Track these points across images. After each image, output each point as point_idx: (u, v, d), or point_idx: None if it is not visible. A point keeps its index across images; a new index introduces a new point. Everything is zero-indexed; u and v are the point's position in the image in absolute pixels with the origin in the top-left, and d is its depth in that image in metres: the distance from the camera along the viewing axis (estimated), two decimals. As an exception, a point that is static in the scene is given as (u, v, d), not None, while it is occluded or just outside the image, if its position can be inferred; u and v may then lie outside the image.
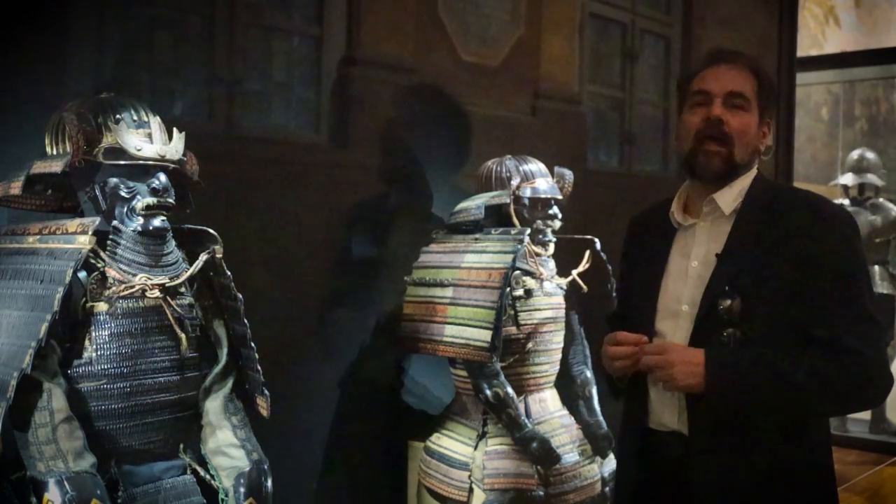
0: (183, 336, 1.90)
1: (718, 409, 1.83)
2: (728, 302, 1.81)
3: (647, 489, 2.00)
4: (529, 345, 2.70)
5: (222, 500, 1.96)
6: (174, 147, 1.91)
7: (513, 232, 2.64)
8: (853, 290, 1.85)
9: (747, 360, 1.80)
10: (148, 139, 1.87)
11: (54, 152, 1.88)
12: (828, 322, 1.81)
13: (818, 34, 6.95)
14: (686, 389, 1.84)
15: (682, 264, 1.98)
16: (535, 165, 2.81)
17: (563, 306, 2.80)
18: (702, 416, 1.88)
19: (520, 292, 2.68)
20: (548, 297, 2.75)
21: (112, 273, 1.84)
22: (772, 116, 2.02)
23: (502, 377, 2.63)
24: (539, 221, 2.73)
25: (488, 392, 2.60)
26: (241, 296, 1.98)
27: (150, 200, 1.85)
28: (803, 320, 1.83)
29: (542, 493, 2.63)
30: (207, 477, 1.97)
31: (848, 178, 6.11)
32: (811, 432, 1.93)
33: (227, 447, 1.99)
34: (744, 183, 1.96)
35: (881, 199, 5.97)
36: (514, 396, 2.63)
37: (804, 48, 6.00)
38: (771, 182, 2.12)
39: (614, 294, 2.82)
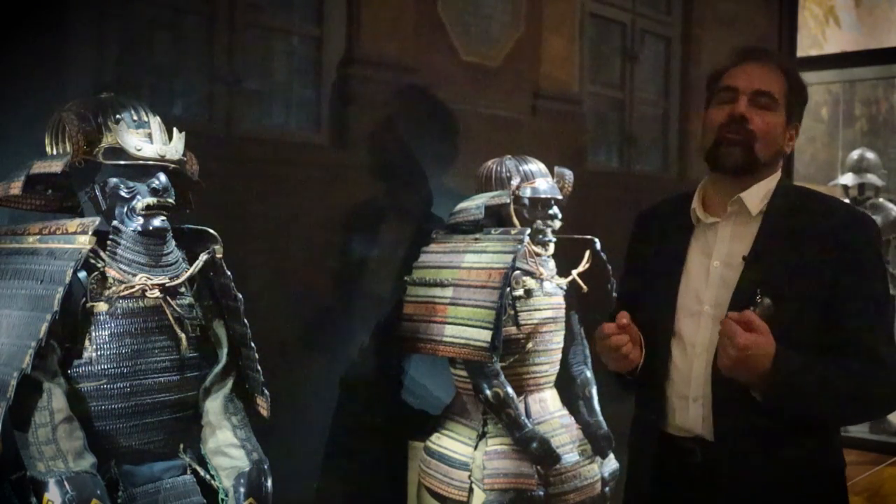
0: (183, 336, 1.89)
1: (765, 411, 1.79)
2: (757, 306, 1.77)
3: (663, 494, 1.98)
4: (529, 345, 2.70)
5: (222, 500, 1.96)
6: (174, 147, 1.91)
7: (513, 232, 2.64)
8: (881, 299, 1.85)
9: (805, 367, 1.77)
10: (148, 139, 1.87)
11: (54, 152, 1.88)
12: (859, 332, 1.81)
13: (818, 34, 6.94)
14: (735, 377, 1.78)
15: (702, 263, 1.95)
16: (535, 165, 2.81)
17: (563, 306, 2.80)
18: (730, 421, 1.86)
19: (520, 292, 2.68)
20: (548, 297, 2.74)
21: (112, 273, 1.84)
22: (800, 119, 1.99)
23: (502, 377, 2.63)
24: (539, 221, 2.73)
25: (488, 392, 2.60)
26: (241, 296, 1.97)
27: (150, 200, 1.85)
28: (829, 326, 1.82)
29: (542, 493, 2.62)
30: (207, 477, 1.97)
31: (848, 178, 6.11)
32: (830, 435, 1.93)
33: (227, 447, 1.99)
34: (770, 185, 1.94)
35: (881, 199, 5.97)
36: (514, 396, 2.62)
37: (804, 48, 6.00)
38: (795, 186, 2.09)
39: (614, 294, 2.82)
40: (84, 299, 1.82)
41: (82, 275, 1.81)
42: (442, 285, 2.66)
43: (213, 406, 2.01)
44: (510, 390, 2.62)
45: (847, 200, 5.91)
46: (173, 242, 1.93)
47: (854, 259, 1.83)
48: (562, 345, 2.82)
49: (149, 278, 1.85)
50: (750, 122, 1.88)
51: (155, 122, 1.90)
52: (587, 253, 2.83)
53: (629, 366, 1.96)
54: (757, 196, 1.92)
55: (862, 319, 1.81)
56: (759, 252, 1.88)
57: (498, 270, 2.55)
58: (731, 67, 1.96)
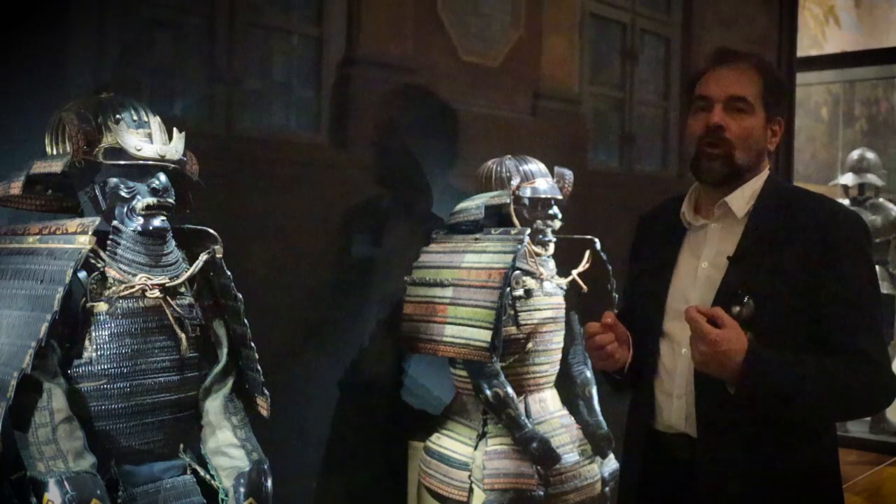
0: (183, 336, 1.89)
1: (741, 407, 1.79)
2: (740, 305, 1.79)
3: (654, 491, 1.99)
4: (529, 345, 2.70)
5: (222, 500, 1.96)
6: (174, 147, 1.91)
7: (513, 232, 2.64)
8: (867, 297, 1.85)
9: (779, 363, 1.77)
10: (148, 139, 1.87)
11: (54, 152, 1.88)
12: (844, 329, 1.81)
13: (818, 34, 6.95)
14: (708, 372, 1.80)
15: (691, 265, 1.97)
16: (535, 165, 2.81)
17: (563, 306, 2.80)
18: (712, 418, 1.87)
19: (520, 292, 2.68)
20: (548, 297, 2.74)
21: (112, 273, 1.84)
22: (782, 115, 1.99)
23: (502, 377, 2.63)
24: (539, 221, 2.73)
25: (488, 392, 2.60)
26: (241, 296, 1.97)
27: (150, 200, 1.85)
28: (816, 325, 1.82)
29: (542, 493, 2.62)
30: (207, 477, 1.97)
31: (848, 178, 6.12)
32: (820, 434, 1.93)
33: (227, 447, 1.99)
34: (756, 185, 1.95)
35: (881, 199, 5.98)
36: (514, 396, 2.63)
37: (804, 48, 6.00)
38: (783, 184, 2.10)
39: (615, 294, 2.82)
40: (84, 299, 1.81)
41: (82, 275, 1.81)
42: (442, 285, 2.66)
43: (213, 406, 2.01)
44: (510, 390, 2.62)
45: (847, 200, 5.92)
46: (173, 242, 1.93)
47: (838, 256, 1.83)
48: (562, 345, 2.82)
49: (149, 278, 1.85)
50: (726, 129, 1.89)
51: (155, 122, 1.90)
52: (587, 253, 2.83)
53: (615, 365, 1.99)
54: (742, 199, 1.94)
55: (846, 316, 1.82)
56: (743, 252, 1.89)
57: (498, 270, 2.55)
58: (704, 73, 1.97)
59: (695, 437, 1.91)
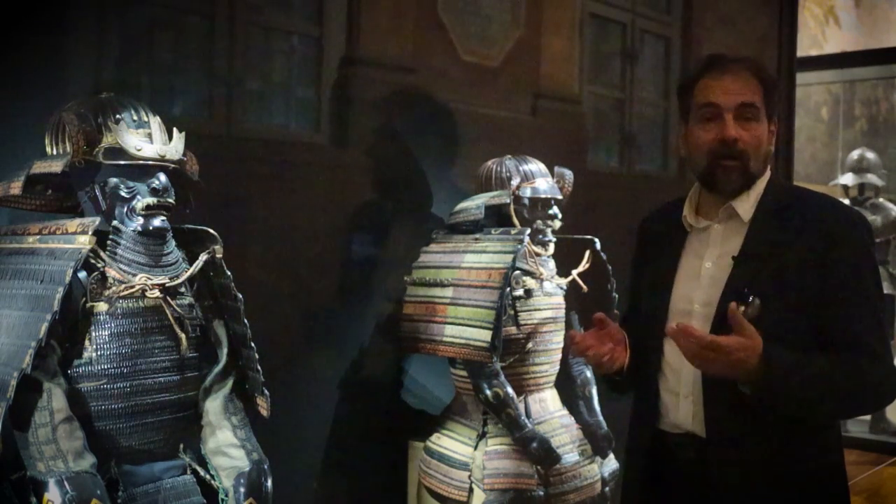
0: (183, 336, 1.89)
1: (754, 407, 1.79)
2: (746, 305, 1.78)
3: (660, 491, 1.99)
4: (529, 345, 2.70)
5: (222, 500, 1.96)
6: (174, 147, 1.91)
7: (513, 232, 2.64)
8: (871, 295, 1.86)
9: (793, 362, 1.77)
10: (148, 139, 1.87)
11: (54, 152, 1.88)
12: (848, 326, 1.81)
13: (818, 34, 6.95)
14: (720, 376, 1.79)
15: (694, 265, 1.97)
16: (535, 165, 2.81)
17: (563, 306, 2.80)
18: (721, 417, 1.87)
19: (520, 292, 2.68)
20: (548, 297, 2.74)
21: (112, 273, 1.84)
22: (777, 113, 2.00)
23: (502, 377, 2.63)
24: (539, 221, 2.73)
25: (488, 392, 2.60)
26: (241, 296, 1.98)
27: (150, 200, 1.85)
28: (821, 323, 1.82)
29: (542, 493, 2.62)
30: (207, 477, 1.97)
31: (848, 178, 6.12)
32: (826, 432, 1.93)
33: (227, 447, 1.99)
34: (759, 187, 1.95)
35: (881, 199, 5.98)
36: (514, 396, 2.62)
37: (804, 48, 6.00)
38: (785, 185, 2.11)
39: (615, 294, 2.82)
40: (84, 299, 1.82)
41: (82, 275, 1.81)
42: (442, 285, 2.66)
43: (213, 406, 2.01)
44: (510, 390, 2.62)
45: (847, 200, 5.91)
46: (173, 242, 1.93)
47: (842, 255, 1.84)
48: (562, 345, 2.82)
49: (149, 278, 1.85)
50: (740, 140, 1.88)
51: (155, 122, 1.90)
52: (587, 253, 2.83)
53: (613, 367, 1.98)
54: (747, 202, 1.94)
55: (852, 315, 1.82)
56: (748, 252, 1.90)
57: (498, 270, 2.55)
58: (702, 79, 1.95)
59: (702, 436, 1.90)
